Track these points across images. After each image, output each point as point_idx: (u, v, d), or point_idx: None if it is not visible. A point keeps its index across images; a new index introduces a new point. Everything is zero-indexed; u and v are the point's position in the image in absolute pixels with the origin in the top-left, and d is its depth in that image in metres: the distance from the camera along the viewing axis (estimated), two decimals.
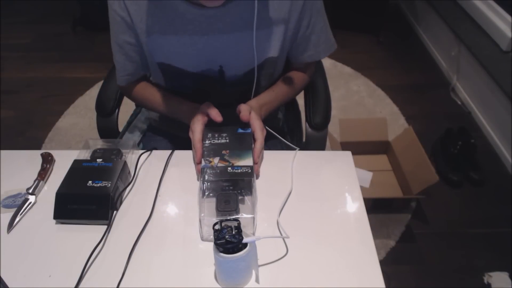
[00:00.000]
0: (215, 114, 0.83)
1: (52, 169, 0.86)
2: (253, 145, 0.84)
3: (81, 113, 2.28)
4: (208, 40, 0.85)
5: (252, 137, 0.85)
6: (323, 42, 0.96)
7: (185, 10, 0.82)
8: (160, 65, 0.92)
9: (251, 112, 0.85)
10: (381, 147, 1.91)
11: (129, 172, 0.84)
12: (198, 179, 0.83)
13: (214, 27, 0.84)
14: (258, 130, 0.83)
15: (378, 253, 0.74)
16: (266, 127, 0.94)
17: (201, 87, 0.95)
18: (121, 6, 0.84)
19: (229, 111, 1.01)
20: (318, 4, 0.90)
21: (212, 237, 0.63)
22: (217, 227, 0.62)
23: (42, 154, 0.88)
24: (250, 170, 0.76)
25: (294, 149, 0.89)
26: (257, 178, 0.82)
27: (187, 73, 0.91)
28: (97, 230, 0.73)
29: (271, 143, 1.06)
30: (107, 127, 1.11)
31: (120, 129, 1.16)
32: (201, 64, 0.90)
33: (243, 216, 0.71)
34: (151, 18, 0.84)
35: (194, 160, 0.84)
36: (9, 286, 0.62)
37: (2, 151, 0.90)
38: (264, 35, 0.86)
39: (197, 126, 0.83)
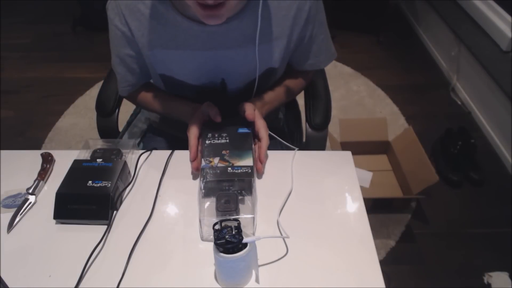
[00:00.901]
0: (214, 114, 0.84)
1: (52, 169, 0.87)
2: (253, 145, 0.84)
3: (81, 113, 2.28)
4: (211, 55, 0.85)
5: (252, 137, 0.85)
6: (324, 51, 0.97)
7: (187, 26, 0.82)
8: (162, 76, 0.92)
9: (255, 110, 0.85)
10: (381, 147, 1.91)
11: (129, 172, 0.84)
12: (194, 178, 0.83)
13: (217, 43, 0.84)
14: (263, 128, 0.83)
15: (378, 253, 0.74)
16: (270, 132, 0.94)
17: (203, 98, 0.95)
18: (122, 21, 0.84)
19: (229, 121, 1.01)
20: (321, 16, 0.90)
21: (212, 237, 0.63)
22: (217, 227, 0.62)
23: (42, 154, 0.88)
24: (250, 170, 0.77)
25: (293, 149, 0.89)
26: (259, 177, 0.83)
27: (189, 85, 0.92)
28: (97, 230, 0.73)
29: (270, 143, 1.06)
30: (107, 127, 1.11)
31: (120, 129, 1.16)
32: (203, 77, 0.90)
33: (243, 216, 0.71)
34: (153, 33, 0.84)
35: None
36: (9, 286, 0.62)
37: (2, 151, 0.90)
38: (266, 49, 0.86)
39: (194, 123, 0.83)
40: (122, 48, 0.89)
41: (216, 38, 0.83)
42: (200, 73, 0.89)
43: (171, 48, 0.85)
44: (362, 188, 0.81)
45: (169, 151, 0.89)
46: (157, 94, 0.99)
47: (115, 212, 0.77)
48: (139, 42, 0.86)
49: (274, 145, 1.04)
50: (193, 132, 0.82)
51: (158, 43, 0.85)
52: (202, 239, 0.72)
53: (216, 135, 0.84)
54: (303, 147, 0.98)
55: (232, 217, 0.67)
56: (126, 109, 1.23)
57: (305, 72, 1.03)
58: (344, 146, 1.82)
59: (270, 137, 0.93)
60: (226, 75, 0.90)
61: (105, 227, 0.74)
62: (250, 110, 0.84)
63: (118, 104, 1.13)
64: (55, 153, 0.89)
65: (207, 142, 0.83)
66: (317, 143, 1.07)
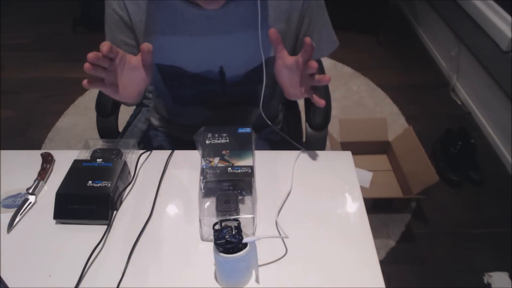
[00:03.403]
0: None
1: (52, 169, 0.86)
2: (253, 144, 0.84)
3: (81, 113, 2.28)
4: (208, 40, 0.85)
5: (252, 136, 0.85)
6: (325, 39, 0.94)
7: (185, 10, 0.82)
8: (159, 66, 0.91)
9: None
10: (381, 147, 1.91)
11: (129, 172, 0.84)
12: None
13: (214, 28, 0.84)
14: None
15: (378, 253, 0.74)
16: (270, 123, 0.93)
17: (202, 87, 0.95)
18: (120, 5, 0.84)
19: (229, 112, 1.00)
20: (319, 1, 0.89)
21: (212, 237, 0.63)
22: (217, 227, 0.62)
23: (42, 154, 0.88)
24: (250, 170, 0.77)
25: (299, 149, 0.89)
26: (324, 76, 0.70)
27: (187, 73, 0.91)
28: (97, 230, 0.73)
29: (273, 143, 1.06)
30: (107, 127, 1.11)
31: (120, 129, 1.16)
32: (201, 64, 0.90)
33: (243, 216, 0.71)
34: (151, 18, 0.84)
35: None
36: (9, 286, 0.62)
37: (2, 151, 0.90)
38: (265, 34, 0.85)
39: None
40: (118, 34, 0.88)
41: (214, 23, 0.83)
42: (198, 60, 0.89)
43: (168, 33, 0.84)
44: (362, 188, 0.81)
45: (169, 151, 0.89)
46: None
47: (115, 212, 0.77)
48: (136, 28, 0.85)
49: (276, 146, 1.04)
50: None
51: (155, 29, 0.84)
52: (202, 239, 0.72)
53: (216, 135, 0.84)
54: (303, 147, 0.98)
55: (232, 217, 0.67)
56: (126, 109, 1.22)
57: None
58: (344, 146, 1.82)
59: (276, 136, 0.91)
60: (225, 62, 0.89)
61: (105, 227, 0.74)
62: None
63: (118, 105, 1.12)
64: (55, 153, 0.89)
65: (207, 142, 0.83)
66: (317, 143, 1.07)
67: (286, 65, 0.78)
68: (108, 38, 0.91)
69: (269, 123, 0.93)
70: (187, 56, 0.88)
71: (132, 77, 0.74)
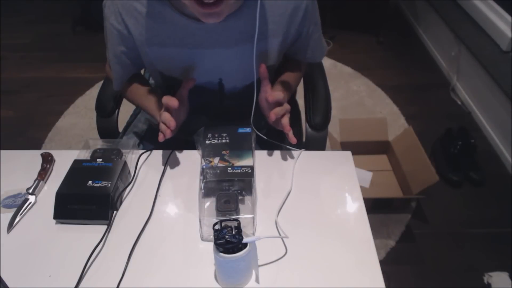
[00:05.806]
0: (169, 100, 0.79)
1: (52, 169, 0.87)
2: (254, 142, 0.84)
3: (81, 113, 2.28)
4: (208, 53, 0.85)
5: (252, 136, 0.85)
6: (319, 48, 0.98)
7: (184, 24, 0.81)
8: (161, 74, 0.92)
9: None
10: (381, 147, 1.91)
11: (129, 172, 0.84)
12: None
13: (214, 41, 0.84)
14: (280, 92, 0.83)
15: (378, 253, 0.74)
16: (264, 137, 0.93)
17: (200, 98, 0.95)
18: (118, 19, 0.84)
19: (227, 123, 1.00)
20: (316, 15, 0.91)
21: (212, 237, 0.63)
22: (217, 227, 0.62)
23: (42, 154, 0.88)
24: (250, 170, 0.77)
25: (298, 150, 0.89)
26: (292, 141, 0.83)
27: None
28: (97, 230, 0.73)
29: (271, 145, 1.06)
30: (107, 127, 1.11)
31: (120, 129, 1.16)
32: (201, 76, 0.90)
33: (243, 216, 0.71)
34: (150, 32, 0.84)
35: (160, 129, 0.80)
36: (9, 286, 0.62)
37: (2, 151, 0.90)
38: (263, 47, 0.86)
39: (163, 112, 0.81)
40: (117, 46, 0.88)
41: (213, 36, 0.83)
42: (197, 72, 0.89)
43: (168, 46, 0.85)
44: (362, 188, 0.81)
45: (169, 151, 0.89)
46: (136, 86, 0.98)
47: (115, 212, 0.77)
48: (136, 40, 0.86)
49: (275, 146, 1.04)
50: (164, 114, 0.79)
51: (156, 41, 0.85)
52: (202, 239, 0.72)
53: (216, 135, 0.84)
54: (303, 147, 0.98)
55: (232, 217, 0.67)
56: (126, 109, 1.22)
57: (300, 63, 1.02)
58: (344, 146, 1.82)
59: (271, 142, 0.92)
60: (224, 75, 0.90)
61: (105, 227, 0.74)
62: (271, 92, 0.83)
63: (118, 105, 1.13)
64: (55, 153, 0.89)
65: (207, 142, 0.83)
66: (317, 143, 1.07)
67: (267, 100, 0.83)
68: (110, 50, 0.91)
69: (263, 136, 0.93)
70: (187, 68, 0.88)
71: (180, 112, 0.85)
